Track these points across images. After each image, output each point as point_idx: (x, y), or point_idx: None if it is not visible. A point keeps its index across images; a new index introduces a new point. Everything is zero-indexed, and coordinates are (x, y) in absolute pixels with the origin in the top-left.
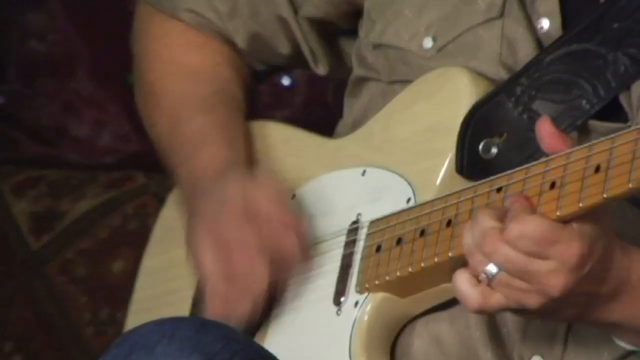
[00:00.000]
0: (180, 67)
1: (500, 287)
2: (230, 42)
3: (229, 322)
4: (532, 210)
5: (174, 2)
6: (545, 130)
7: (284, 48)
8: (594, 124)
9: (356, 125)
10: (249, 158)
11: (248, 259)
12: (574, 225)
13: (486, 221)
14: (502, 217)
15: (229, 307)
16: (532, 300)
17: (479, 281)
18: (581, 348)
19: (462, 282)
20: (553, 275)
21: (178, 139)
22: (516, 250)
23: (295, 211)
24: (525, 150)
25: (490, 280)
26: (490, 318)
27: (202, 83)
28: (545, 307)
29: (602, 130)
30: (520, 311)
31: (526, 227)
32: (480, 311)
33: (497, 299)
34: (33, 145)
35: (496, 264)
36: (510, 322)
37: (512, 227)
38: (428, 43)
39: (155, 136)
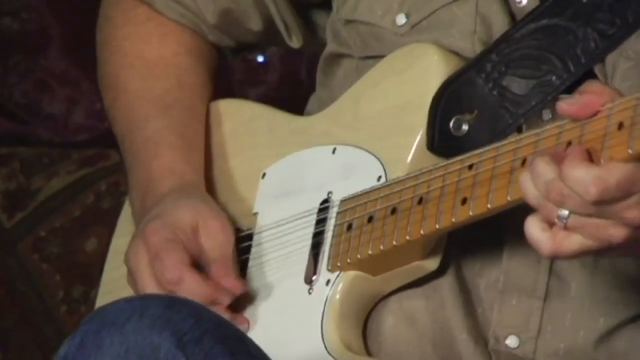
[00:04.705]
0: (140, 60)
1: (576, 228)
2: (194, 29)
3: None
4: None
5: None
6: (565, 110)
7: (255, 24)
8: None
9: (329, 102)
10: (204, 160)
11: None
12: None
13: (547, 173)
14: (559, 161)
15: None
16: (617, 233)
17: (552, 226)
18: (557, 327)
19: (533, 227)
20: (635, 208)
21: (133, 144)
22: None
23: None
24: (496, 126)
25: (565, 223)
26: (465, 297)
27: (160, 78)
28: (633, 238)
29: None
30: (603, 250)
31: (608, 179)
32: (554, 256)
33: (572, 241)
34: (5, 122)
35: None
36: (485, 301)
37: (592, 190)
38: (401, 19)
39: (114, 131)
